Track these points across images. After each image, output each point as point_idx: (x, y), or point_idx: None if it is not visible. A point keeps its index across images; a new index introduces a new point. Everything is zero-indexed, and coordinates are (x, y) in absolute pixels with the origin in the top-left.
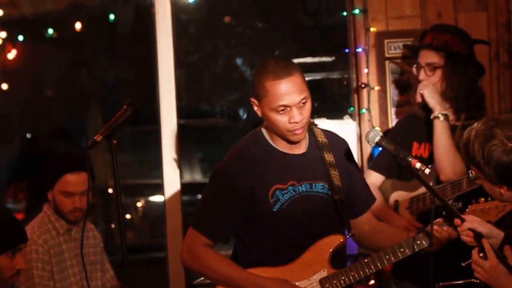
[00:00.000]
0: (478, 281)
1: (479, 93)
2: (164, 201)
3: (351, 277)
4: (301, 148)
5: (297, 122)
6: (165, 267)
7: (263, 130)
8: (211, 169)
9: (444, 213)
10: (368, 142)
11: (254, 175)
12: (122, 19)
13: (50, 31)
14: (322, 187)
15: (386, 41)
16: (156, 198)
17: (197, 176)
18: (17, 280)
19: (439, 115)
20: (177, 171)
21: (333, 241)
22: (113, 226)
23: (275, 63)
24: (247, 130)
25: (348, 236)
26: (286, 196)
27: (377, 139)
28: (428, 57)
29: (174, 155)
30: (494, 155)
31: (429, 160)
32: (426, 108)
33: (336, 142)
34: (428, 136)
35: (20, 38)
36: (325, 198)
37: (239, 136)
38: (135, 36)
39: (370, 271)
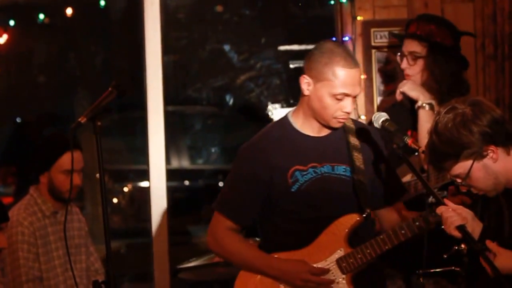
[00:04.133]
0: (458, 269)
1: (463, 86)
2: (150, 186)
3: (367, 255)
4: (325, 131)
5: (348, 113)
6: (149, 251)
7: (289, 116)
8: (198, 156)
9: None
10: (374, 123)
11: (274, 156)
12: (112, 5)
13: (41, 16)
14: (344, 170)
15: (372, 30)
16: (143, 184)
17: (185, 163)
18: None
19: (424, 104)
20: (163, 157)
21: (349, 220)
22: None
23: (345, 52)
24: (233, 117)
25: (364, 215)
26: (305, 177)
27: (381, 120)
28: (412, 46)
29: (160, 141)
30: (471, 123)
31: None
32: (411, 100)
33: (364, 129)
34: (413, 125)
35: (11, 23)
36: (347, 181)
37: (225, 122)
38: (125, 22)
39: (386, 247)
